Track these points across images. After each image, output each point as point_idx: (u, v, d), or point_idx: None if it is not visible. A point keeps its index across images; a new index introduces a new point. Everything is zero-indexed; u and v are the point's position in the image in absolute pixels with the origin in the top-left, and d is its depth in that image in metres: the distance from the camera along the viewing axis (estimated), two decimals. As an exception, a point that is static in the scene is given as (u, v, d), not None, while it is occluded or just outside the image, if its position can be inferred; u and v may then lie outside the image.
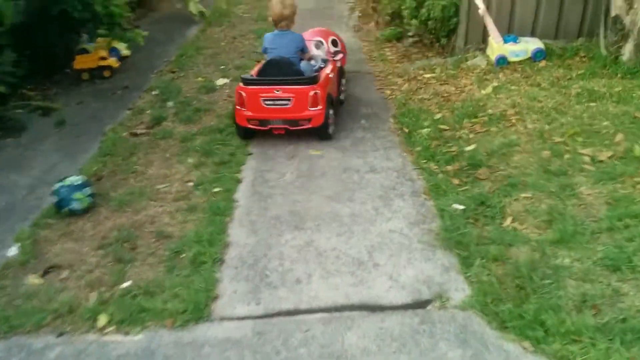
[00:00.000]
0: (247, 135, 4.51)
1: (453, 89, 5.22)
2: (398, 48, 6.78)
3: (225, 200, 3.66)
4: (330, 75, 4.56)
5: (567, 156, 3.74)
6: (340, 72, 5.10)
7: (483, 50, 5.93)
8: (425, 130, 4.43)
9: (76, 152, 4.53)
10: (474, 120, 4.49)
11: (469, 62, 5.76)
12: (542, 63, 5.49)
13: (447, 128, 4.44)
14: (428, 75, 5.65)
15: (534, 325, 2.43)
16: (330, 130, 4.47)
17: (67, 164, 4.29)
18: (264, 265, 3.01)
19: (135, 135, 4.75)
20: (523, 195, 3.40)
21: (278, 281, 2.88)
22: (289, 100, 4.22)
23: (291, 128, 4.32)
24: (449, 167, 3.85)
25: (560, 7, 5.84)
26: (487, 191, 3.51)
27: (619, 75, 4.97)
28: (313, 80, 4.24)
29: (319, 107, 4.22)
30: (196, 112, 5.20)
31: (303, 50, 4.54)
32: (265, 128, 4.36)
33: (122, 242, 3.26)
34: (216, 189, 3.80)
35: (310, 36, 5.19)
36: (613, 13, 5.27)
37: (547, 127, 4.19)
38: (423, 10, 5.83)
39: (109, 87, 6.08)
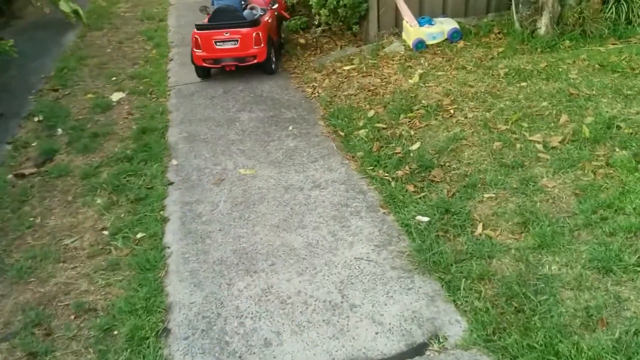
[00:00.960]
0: (205, 74, 5.55)
1: (378, 80, 4.90)
2: (307, 39, 6.34)
3: (154, 248, 3.06)
4: (268, 20, 5.50)
5: (518, 145, 3.55)
6: (278, 19, 6.02)
7: (398, 35, 5.67)
8: (362, 132, 4.06)
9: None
10: (410, 114, 4.19)
11: (386, 49, 5.47)
12: (460, 44, 5.32)
13: (385, 126, 4.11)
14: (347, 68, 5.28)
15: (549, 357, 2.16)
16: (273, 66, 5.48)
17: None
18: (220, 328, 2.49)
19: (23, 176, 3.94)
20: (486, 195, 3.15)
21: (243, 347, 2.38)
22: (236, 40, 5.15)
23: (240, 64, 5.28)
24: (399, 172, 3.52)
25: (467, -16, 5.72)
26: (447, 195, 3.22)
27: (538, 50, 4.91)
28: (255, 23, 5.18)
29: (262, 45, 5.18)
30: (94, 137, 4.45)
31: (244, 0, 5.60)
32: (218, 66, 5.36)
33: (32, 327, 2.58)
34: (139, 235, 3.18)
35: None
36: (524, -13, 5.21)
37: (487, 114, 3.98)
38: (332, -1, 5.44)
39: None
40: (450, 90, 4.44)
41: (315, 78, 5.24)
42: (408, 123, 4.10)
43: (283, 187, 3.56)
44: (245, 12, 5.47)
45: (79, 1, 7.93)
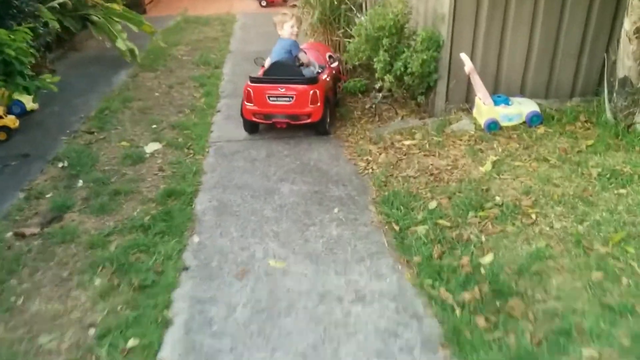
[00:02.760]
0: (253, 129, 5.04)
1: (443, 163, 4.14)
2: (365, 103, 5.69)
3: (144, 364, 2.34)
4: (327, 79, 5.06)
5: (625, 280, 2.68)
6: (335, 77, 5.49)
7: (468, 111, 4.94)
8: (421, 229, 3.29)
9: None
10: (481, 213, 3.39)
11: (453, 126, 4.73)
12: (541, 129, 4.52)
13: (449, 225, 3.32)
14: (408, 143, 4.56)
15: None
16: (327, 127, 4.94)
17: None
18: None
19: (23, 236, 3.35)
20: (586, 353, 2.29)
21: None
22: (291, 97, 4.68)
23: (292, 122, 4.78)
24: (467, 295, 2.70)
25: (551, 64, 4.95)
26: (531, 342, 2.38)
27: (637, 148, 4.06)
28: (313, 81, 4.71)
29: (318, 104, 4.68)
30: (114, 195, 3.86)
31: (291, 52, 4.90)
32: (269, 122, 4.85)
33: None
34: (131, 342, 2.47)
35: (308, 47, 5.75)
36: (620, 74, 4.40)
37: (580, 227, 3.14)
38: (398, 64, 4.77)
39: (0, 155, 4.62)
40: (530, 187, 3.63)
41: (370, 151, 4.53)
42: (478, 224, 3.30)
43: (318, 293, 2.80)
44: (305, 70, 4.99)
45: (140, 40, 7.65)
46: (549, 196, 3.50)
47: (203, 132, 5.07)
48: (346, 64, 5.85)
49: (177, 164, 4.40)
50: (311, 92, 4.61)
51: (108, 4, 7.00)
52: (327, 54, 5.63)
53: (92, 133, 5.08)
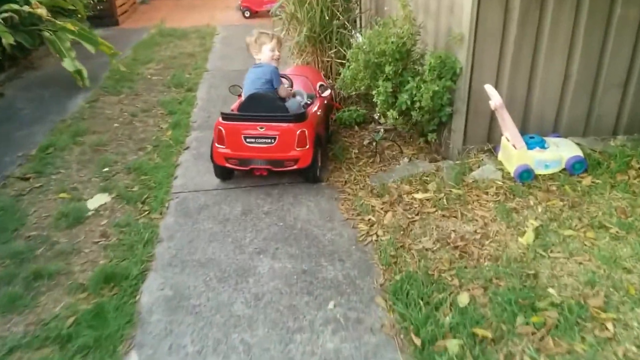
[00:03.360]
0: (225, 176, 4.04)
1: (468, 228, 3.19)
2: (363, 137, 4.74)
3: None
4: (318, 113, 4.14)
5: None
6: (327, 108, 4.56)
7: (491, 153, 4.00)
8: (452, 344, 2.32)
9: None
10: (534, 318, 2.43)
11: (475, 174, 3.78)
12: (586, 179, 3.60)
13: (491, 336, 2.36)
14: (420, 197, 3.60)
15: None
16: (318, 173, 3.99)
17: None
18: None
19: None
20: None
21: None
22: (273, 138, 3.73)
23: (275, 169, 3.82)
24: None
25: (592, 95, 4.03)
26: None
27: None
28: (300, 118, 3.77)
29: (307, 146, 3.76)
30: (34, 280, 2.85)
31: (272, 83, 3.89)
32: (246, 168, 3.84)
33: None
34: None
35: (295, 71, 4.84)
36: (686, 110, 3.49)
37: (681, 347, 2.20)
38: (403, 97, 3.82)
39: None
40: (593, 273, 2.69)
41: (372, 207, 3.56)
42: (532, 336, 2.34)
43: None
44: (290, 102, 4.01)
45: (105, 57, 6.63)
46: (622, 289, 2.56)
47: (165, 178, 4.07)
48: (340, 90, 4.90)
49: (125, 226, 3.40)
50: (298, 131, 3.67)
51: (61, 22, 5.96)
52: (318, 83, 4.68)
53: (27, 179, 4.07)
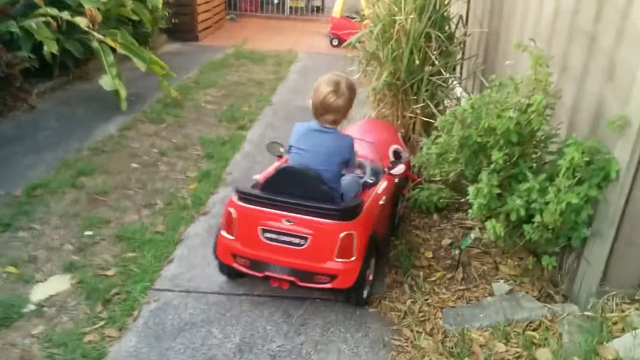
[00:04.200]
0: (232, 274, 2.75)
1: None
2: (442, 233, 3.36)
3: None
4: (380, 202, 2.79)
5: None
6: (397, 192, 3.26)
7: (648, 310, 2.47)
8: None
9: None
10: None
11: (618, 344, 2.27)
12: None
13: None
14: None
15: None
16: (366, 292, 2.64)
17: None
18: None
19: None
20: None
21: None
22: (304, 238, 2.43)
23: (300, 283, 2.48)
24: None
25: None
26: None
27: None
28: (350, 213, 2.45)
29: (353, 257, 2.43)
30: None
31: (348, 163, 2.66)
32: (260, 274, 2.52)
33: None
34: None
35: (361, 129, 3.62)
36: None
37: None
38: (516, 203, 2.40)
39: None
40: None
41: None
42: None
43: None
44: (345, 181, 2.74)
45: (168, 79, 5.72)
46: None
47: (155, 261, 2.92)
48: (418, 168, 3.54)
49: (59, 347, 2.25)
50: (343, 234, 2.40)
51: (103, 37, 5.10)
52: (392, 148, 3.38)
53: (-9, 232, 3.09)
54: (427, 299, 2.72)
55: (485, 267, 2.99)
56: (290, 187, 2.48)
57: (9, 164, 4.03)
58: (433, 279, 2.91)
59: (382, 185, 2.93)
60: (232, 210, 2.55)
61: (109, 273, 2.80)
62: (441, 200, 3.50)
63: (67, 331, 2.36)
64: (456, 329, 2.49)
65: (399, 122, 4.04)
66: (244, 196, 2.53)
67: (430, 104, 3.83)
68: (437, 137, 2.85)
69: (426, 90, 3.89)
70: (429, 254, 3.14)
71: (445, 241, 3.27)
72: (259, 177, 2.79)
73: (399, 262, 3.03)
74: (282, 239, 2.46)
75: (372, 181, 2.91)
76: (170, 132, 4.98)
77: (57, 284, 2.66)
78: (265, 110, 5.90)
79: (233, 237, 2.56)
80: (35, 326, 2.39)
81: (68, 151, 4.32)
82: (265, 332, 2.45)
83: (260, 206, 2.49)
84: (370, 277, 2.70)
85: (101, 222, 3.29)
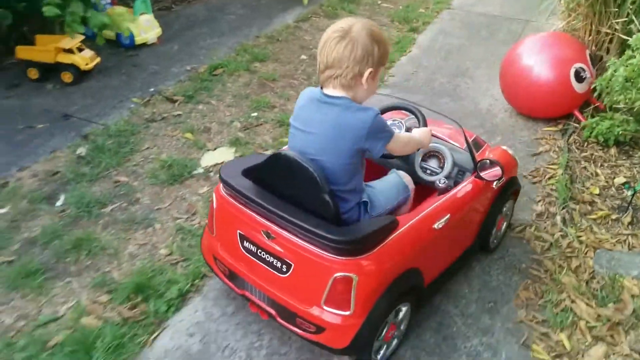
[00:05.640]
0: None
1: None
2: (617, 170, 2.95)
3: None
4: (434, 226, 1.82)
5: None
6: (498, 199, 2.18)
7: None
8: None
9: None
10: None
11: None
12: None
13: None
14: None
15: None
16: (379, 358, 1.79)
17: None
18: None
19: None
20: None
21: None
22: (287, 265, 1.64)
23: (280, 321, 1.72)
24: None
25: None
26: None
27: None
28: (354, 245, 1.56)
29: (348, 312, 1.60)
30: (70, 251, 2.21)
31: (366, 152, 1.64)
32: (238, 290, 1.82)
33: None
34: None
35: (537, 47, 2.96)
36: None
37: None
38: None
39: (47, 105, 3.32)
40: None
41: (576, 317, 2.02)
42: None
43: None
44: (380, 183, 1.89)
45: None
46: None
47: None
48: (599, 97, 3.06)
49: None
50: (335, 276, 1.56)
51: None
52: (575, 66, 2.94)
53: (173, 102, 3.47)
54: (580, 236, 2.47)
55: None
56: (283, 184, 1.68)
57: (196, 43, 4.40)
58: (593, 216, 2.62)
59: (454, 194, 1.95)
60: (214, 198, 1.87)
61: (267, 152, 3.01)
62: (623, 134, 3.05)
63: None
64: (607, 272, 2.25)
65: (590, 37, 3.49)
66: (227, 185, 1.77)
67: (635, 19, 3.21)
68: (630, 57, 2.41)
69: (633, 2, 3.25)
70: (595, 190, 2.80)
71: (619, 179, 2.88)
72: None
73: (556, 191, 2.76)
74: (261, 256, 1.70)
75: (444, 184, 1.95)
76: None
77: (223, 154, 2.94)
78: (443, 14, 5.53)
79: (214, 234, 1.90)
80: (202, 186, 2.70)
81: (247, 37, 4.57)
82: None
83: (241, 204, 1.74)
84: (396, 342, 1.86)
85: (266, 106, 3.50)
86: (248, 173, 1.77)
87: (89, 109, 3.31)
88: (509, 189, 2.24)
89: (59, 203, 2.48)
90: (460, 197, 1.96)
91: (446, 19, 5.41)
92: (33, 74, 3.54)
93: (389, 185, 1.88)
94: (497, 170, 1.95)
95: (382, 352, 1.78)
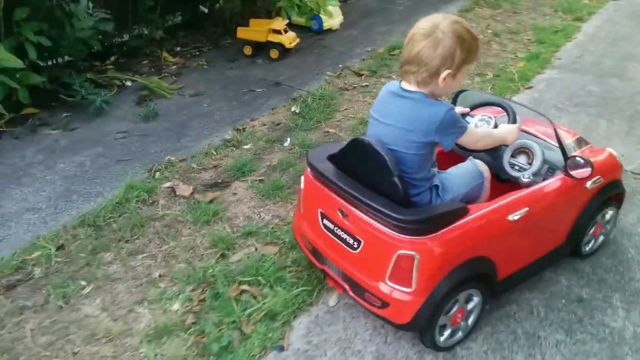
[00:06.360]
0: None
1: None
2: None
3: None
4: (509, 218, 1.81)
5: None
6: (592, 202, 2.09)
7: None
8: None
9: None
10: None
11: None
12: None
13: None
14: None
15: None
16: (442, 340, 1.84)
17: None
18: None
19: (174, 194, 2.71)
20: None
21: None
22: (357, 241, 1.79)
23: (352, 295, 1.87)
24: None
25: None
26: None
27: None
28: (418, 225, 1.66)
29: (410, 289, 1.70)
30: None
31: (437, 145, 1.74)
32: (319, 265, 2.00)
33: None
34: None
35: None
36: None
37: None
38: None
39: (260, 75, 4.08)
40: None
41: None
42: None
43: None
44: (455, 170, 1.98)
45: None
46: None
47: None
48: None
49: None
50: (398, 253, 1.68)
51: None
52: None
53: (360, 75, 4.06)
54: None
55: None
56: (360, 167, 1.81)
57: (372, 29, 4.98)
58: None
59: (536, 188, 1.93)
60: (302, 179, 2.07)
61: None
62: None
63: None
64: None
65: None
66: (311, 167, 1.96)
67: None
68: None
69: None
70: None
71: None
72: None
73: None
74: (337, 233, 1.87)
75: (528, 179, 1.95)
76: (505, 17, 5.25)
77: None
78: (609, 4, 5.56)
79: (301, 212, 2.10)
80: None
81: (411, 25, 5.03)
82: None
83: (322, 185, 1.92)
84: (470, 324, 1.91)
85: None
86: (332, 158, 1.93)
87: (293, 79, 4.01)
88: (607, 192, 2.13)
89: (286, 144, 3.15)
90: (543, 192, 1.94)
91: (611, 9, 5.45)
92: (248, 50, 4.36)
93: (463, 171, 1.95)
94: (586, 170, 1.89)
95: (445, 333, 1.84)
